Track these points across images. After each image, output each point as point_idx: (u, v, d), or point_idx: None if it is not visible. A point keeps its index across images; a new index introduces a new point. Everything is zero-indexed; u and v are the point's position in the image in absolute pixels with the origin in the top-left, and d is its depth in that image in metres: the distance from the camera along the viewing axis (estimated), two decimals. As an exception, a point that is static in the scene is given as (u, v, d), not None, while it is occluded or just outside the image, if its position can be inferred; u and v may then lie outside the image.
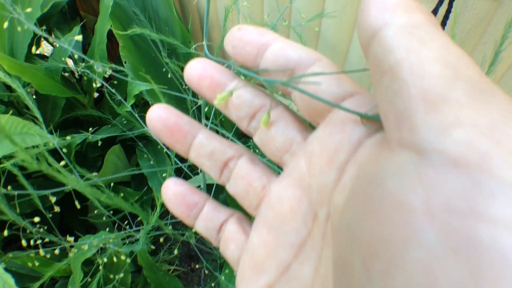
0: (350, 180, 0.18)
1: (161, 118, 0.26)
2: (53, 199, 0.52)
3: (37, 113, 0.55)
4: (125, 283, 0.70)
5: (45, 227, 0.56)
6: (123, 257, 0.57)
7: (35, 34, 0.86)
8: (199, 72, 0.26)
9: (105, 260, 0.54)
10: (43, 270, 0.67)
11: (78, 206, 0.51)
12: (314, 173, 0.22)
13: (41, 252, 0.53)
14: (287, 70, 0.24)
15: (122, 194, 0.72)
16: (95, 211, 0.59)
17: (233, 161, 0.27)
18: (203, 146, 0.27)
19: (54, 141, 0.53)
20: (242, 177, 0.26)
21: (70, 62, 0.98)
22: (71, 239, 0.54)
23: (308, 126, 0.26)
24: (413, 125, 0.13)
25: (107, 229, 0.62)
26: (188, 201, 0.27)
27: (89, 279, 0.63)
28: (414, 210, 0.12)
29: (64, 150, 0.82)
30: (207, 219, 0.27)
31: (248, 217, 0.29)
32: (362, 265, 0.13)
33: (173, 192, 0.27)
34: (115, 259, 0.58)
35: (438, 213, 0.11)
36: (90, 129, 0.66)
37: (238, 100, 0.26)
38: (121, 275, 0.59)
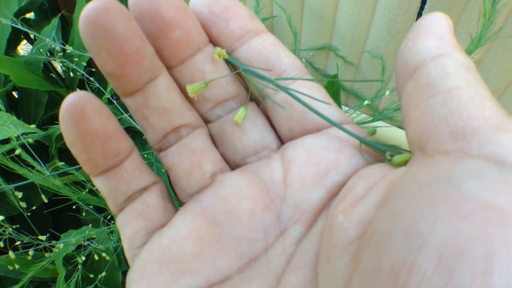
0: (375, 193, 0.15)
1: (114, 20, 0.16)
2: (19, 195, 0.45)
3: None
4: (115, 281, 0.64)
5: (15, 227, 0.50)
6: (104, 254, 0.50)
7: (13, 30, 0.81)
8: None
9: (83, 258, 0.48)
10: (27, 271, 0.61)
11: (45, 200, 0.44)
12: (293, 184, 0.19)
13: (11, 254, 0.47)
14: (274, 71, 0.20)
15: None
16: (74, 207, 0.53)
17: (187, 128, 0.19)
18: (158, 97, 0.18)
19: (18, 132, 0.47)
20: (193, 152, 0.19)
21: (57, 67, 0.92)
22: (43, 237, 0.47)
23: (278, 137, 0.21)
24: (483, 140, 0.13)
25: (90, 225, 0.55)
26: (110, 148, 0.18)
27: (78, 278, 0.57)
28: (504, 209, 0.11)
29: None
30: (122, 179, 0.19)
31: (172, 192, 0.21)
32: (439, 267, 0.11)
33: (94, 127, 0.17)
34: (96, 257, 0.52)
35: None
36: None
37: (212, 76, 0.20)
38: (103, 273, 0.53)
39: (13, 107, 0.85)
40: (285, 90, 0.19)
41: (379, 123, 0.62)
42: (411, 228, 0.12)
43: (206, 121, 0.21)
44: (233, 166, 0.21)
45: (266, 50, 0.20)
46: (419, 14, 0.50)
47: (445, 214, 0.11)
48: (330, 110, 0.20)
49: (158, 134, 0.20)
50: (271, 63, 0.20)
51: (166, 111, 0.19)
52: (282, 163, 0.19)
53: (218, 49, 0.19)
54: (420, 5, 0.50)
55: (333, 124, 0.19)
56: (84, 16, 0.16)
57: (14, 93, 0.91)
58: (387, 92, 0.49)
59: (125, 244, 0.19)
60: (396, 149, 0.17)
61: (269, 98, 0.20)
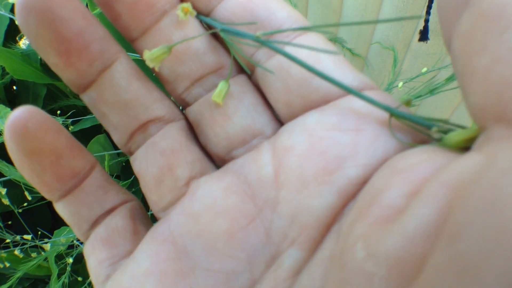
0: (426, 208, 0.09)
1: (48, 1, 0.13)
2: (3, 191, 0.43)
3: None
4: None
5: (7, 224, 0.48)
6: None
7: (12, 22, 0.79)
8: None
9: (71, 260, 0.45)
10: (18, 268, 0.60)
11: (29, 198, 0.42)
12: (288, 185, 0.13)
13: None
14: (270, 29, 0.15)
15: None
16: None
17: (157, 124, 0.15)
18: (116, 88, 0.15)
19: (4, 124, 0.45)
20: (161, 154, 0.15)
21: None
22: (28, 237, 0.45)
23: (276, 117, 0.16)
24: None
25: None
26: (62, 167, 0.15)
27: (65, 280, 0.55)
28: None
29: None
30: (82, 203, 0.15)
31: (147, 210, 0.17)
32: None
33: (39, 144, 0.14)
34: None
35: None
36: (58, 112, 0.57)
37: (183, 48, 0.15)
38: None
39: (11, 100, 0.83)
40: (273, 47, 0.14)
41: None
42: None
43: (185, 105, 0.17)
44: (218, 161, 0.16)
45: (251, 3, 0.15)
46: (431, 1, 0.47)
47: None
48: (341, 72, 0.14)
49: (123, 135, 0.16)
50: (260, 19, 0.15)
51: (128, 105, 0.15)
52: (274, 154, 0.14)
53: (184, 4, 0.15)
54: (432, -9, 0.47)
55: (346, 90, 0.13)
56: (19, 4, 0.13)
57: (15, 88, 0.89)
58: (400, 84, 0.45)
59: (92, 278, 0.16)
60: (446, 123, 0.12)
61: (257, 64, 0.15)
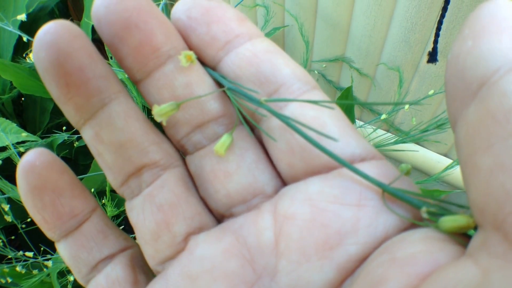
0: None
1: (57, 37, 0.14)
2: (6, 207, 0.43)
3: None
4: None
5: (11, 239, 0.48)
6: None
7: (19, 37, 0.80)
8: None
9: (71, 278, 0.45)
10: (21, 283, 0.59)
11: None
12: (289, 255, 0.14)
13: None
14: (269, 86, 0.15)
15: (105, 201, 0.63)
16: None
17: (154, 170, 0.15)
18: (112, 127, 0.15)
19: (9, 139, 0.45)
20: (159, 208, 0.15)
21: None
22: (30, 254, 0.45)
23: (278, 174, 0.16)
24: None
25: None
26: (62, 206, 0.15)
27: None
28: None
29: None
30: (81, 246, 0.15)
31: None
32: None
33: (41, 182, 0.15)
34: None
35: None
36: (64, 128, 0.57)
37: (185, 94, 0.15)
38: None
39: (19, 114, 0.84)
40: (278, 115, 0.14)
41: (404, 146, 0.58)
42: None
43: (184, 152, 0.17)
44: (217, 215, 0.16)
45: (257, 59, 0.15)
46: (440, 23, 0.47)
47: None
48: (345, 138, 0.14)
49: (117, 176, 0.16)
50: (265, 75, 0.15)
51: (123, 145, 0.15)
52: (275, 219, 0.14)
53: (187, 52, 0.15)
54: (440, 12, 0.47)
55: (342, 163, 0.14)
56: (35, 40, 0.14)
57: (23, 99, 0.90)
58: (407, 106, 0.45)
59: None
60: (437, 202, 0.12)
61: (257, 126, 0.15)
